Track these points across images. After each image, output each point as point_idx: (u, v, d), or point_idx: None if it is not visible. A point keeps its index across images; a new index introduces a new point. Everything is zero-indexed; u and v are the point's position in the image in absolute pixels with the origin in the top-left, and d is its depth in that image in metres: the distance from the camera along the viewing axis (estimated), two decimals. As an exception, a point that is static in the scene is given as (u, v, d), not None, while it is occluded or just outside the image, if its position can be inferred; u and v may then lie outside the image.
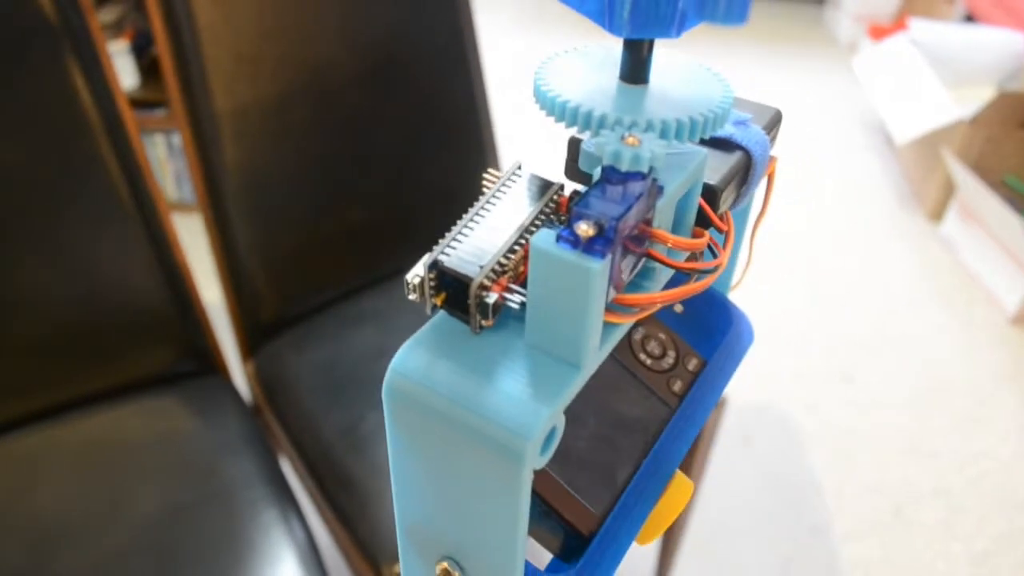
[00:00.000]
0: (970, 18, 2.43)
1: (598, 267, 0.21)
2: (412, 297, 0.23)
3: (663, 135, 0.24)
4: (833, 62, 2.86)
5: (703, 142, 0.27)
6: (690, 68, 0.27)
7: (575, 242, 0.21)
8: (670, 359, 0.33)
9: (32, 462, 0.93)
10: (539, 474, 0.24)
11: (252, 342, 1.12)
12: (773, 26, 3.05)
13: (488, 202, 0.25)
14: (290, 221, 1.10)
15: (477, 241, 0.23)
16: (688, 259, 0.27)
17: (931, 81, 2.03)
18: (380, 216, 1.17)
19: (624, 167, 0.22)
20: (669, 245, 0.24)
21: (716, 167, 0.28)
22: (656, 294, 0.24)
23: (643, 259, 0.24)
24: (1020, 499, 1.49)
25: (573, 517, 0.28)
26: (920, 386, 1.71)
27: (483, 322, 0.23)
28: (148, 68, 1.84)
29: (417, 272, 0.23)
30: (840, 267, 2.02)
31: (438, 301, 0.23)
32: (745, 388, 1.66)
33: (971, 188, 1.90)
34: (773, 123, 0.31)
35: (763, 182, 0.32)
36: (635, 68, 0.25)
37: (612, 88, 0.25)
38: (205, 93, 0.98)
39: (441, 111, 1.18)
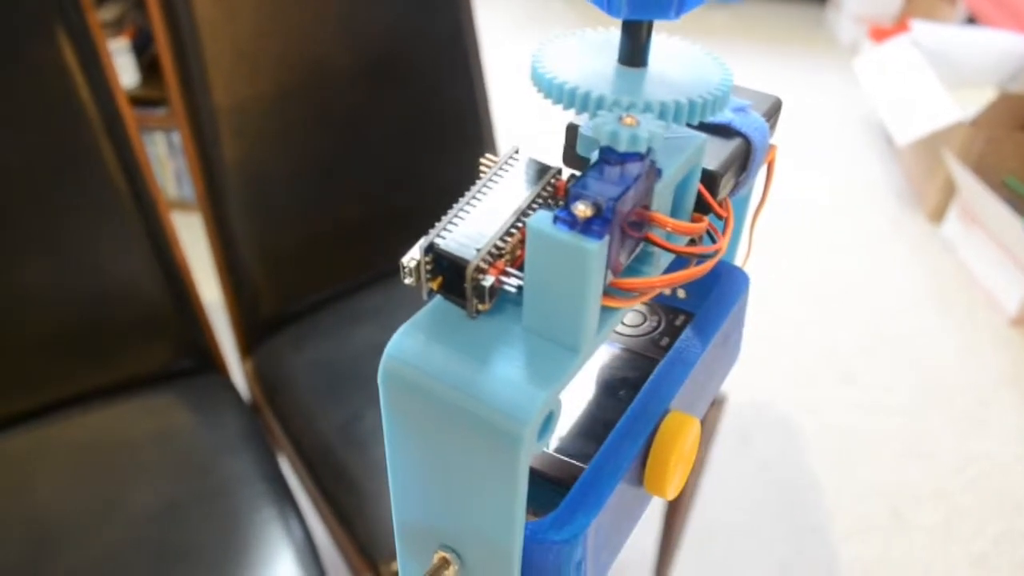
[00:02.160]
0: (972, 20, 2.43)
1: (595, 248, 0.21)
2: (408, 281, 0.23)
3: (661, 117, 0.24)
4: (834, 63, 2.86)
5: (702, 128, 0.27)
6: (689, 52, 0.27)
7: (572, 223, 0.21)
8: (653, 323, 0.32)
9: (30, 460, 0.93)
10: None
11: (251, 340, 1.12)
12: (774, 27, 3.05)
13: (485, 186, 0.24)
14: (289, 219, 1.10)
15: (474, 224, 0.23)
16: (687, 245, 0.27)
17: (932, 82, 2.03)
18: (379, 214, 1.17)
19: (622, 147, 0.22)
20: (668, 229, 0.24)
21: (715, 153, 0.27)
22: (655, 279, 0.24)
23: (641, 243, 0.24)
24: (1019, 501, 1.49)
25: (561, 474, 0.27)
26: (920, 387, 1.70)
27: (480, 306, 0.23)
28: (148, 66, 1.84)
29: (413, 255, 0.23)
30: (840, 268, 2.02)
31: (434, 285, 0.23)
32: (744, 388, 1.65)
33: (972, 189, 1.90)
34: (773, 111, 0.31)
35: (763, 171, 0.31)
36: (633, 51, 0.25)
37: (610, 71, 0.25)
38: (205, 90, 0.98)
39: (441, 109, 1.18)
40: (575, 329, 0.22)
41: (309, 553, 0.87)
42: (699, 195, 0.27)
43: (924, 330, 1.85)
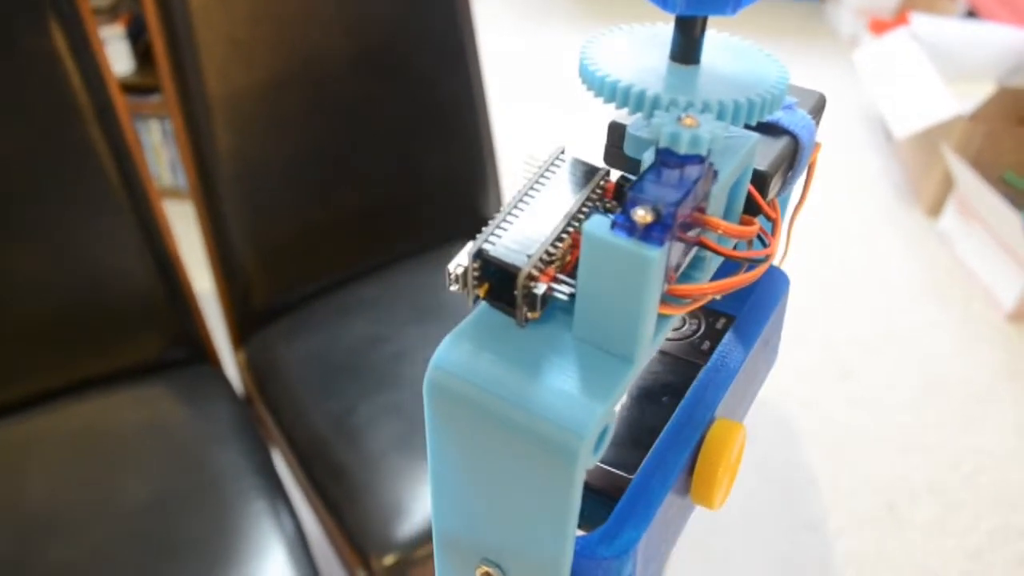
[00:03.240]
0: (971, 14, 2.43)
1: (656, 255, 0.20)
2: (454, 288, 0.22)
3: (720, 117, 0.23)
4: (833, 56, 2.85)
5: (750, 126, 0.26)
6: (742, 48, 0.26)
7: (631, 229, 0.20)
8: (693, 326, 0.31)
9: (20, 450, 0.92)
10: None
11: (243, 331, 1.11)
12: (773, 19, 3.04)
13: (531, 188, 0.23)
14: (282, 209, 1.09)
15: (523, 229, 0.22)
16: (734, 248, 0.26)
17: (931, 76, 2.02)
18: (373, 205, 1.16)
19: (682, 150, 0.21)
20: (720, 232, 0.23)
21: (764, 152, 0.26)
22: (708, 284, 0.23)
23: (694, 248, 0.23)
24: (1015, 495, 1.49)
25: (604, 484, 0.26)
26: (916, 382, 1.70)
27: (529, 314, 0.22)
28: (144, 54, 1.82)
29: (460, 262, 0.22)
30: (837, 262, 2.01)
31: (481, 292, 0.22)
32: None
33: (970, 184, 1.89)
34: (818, 108, 0.29)
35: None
36: (687, 47, 0.24)
37: (662, 68, 0.24)
38: (198, 77, 0.97)
39: (436, 100, 1.17)
40: (631, 338, 0.21)
41: (300, 546, 0.86)
42: (747, 196, 0.26)
43: (921, 325, 1.84)
